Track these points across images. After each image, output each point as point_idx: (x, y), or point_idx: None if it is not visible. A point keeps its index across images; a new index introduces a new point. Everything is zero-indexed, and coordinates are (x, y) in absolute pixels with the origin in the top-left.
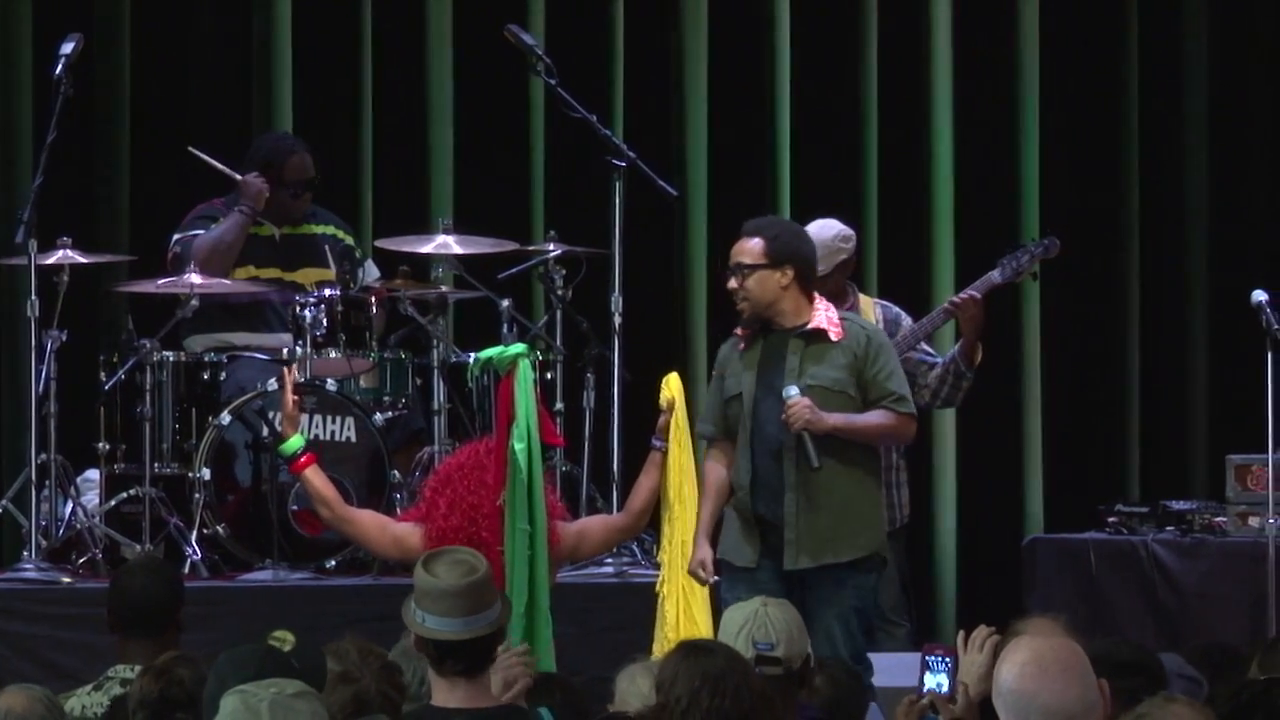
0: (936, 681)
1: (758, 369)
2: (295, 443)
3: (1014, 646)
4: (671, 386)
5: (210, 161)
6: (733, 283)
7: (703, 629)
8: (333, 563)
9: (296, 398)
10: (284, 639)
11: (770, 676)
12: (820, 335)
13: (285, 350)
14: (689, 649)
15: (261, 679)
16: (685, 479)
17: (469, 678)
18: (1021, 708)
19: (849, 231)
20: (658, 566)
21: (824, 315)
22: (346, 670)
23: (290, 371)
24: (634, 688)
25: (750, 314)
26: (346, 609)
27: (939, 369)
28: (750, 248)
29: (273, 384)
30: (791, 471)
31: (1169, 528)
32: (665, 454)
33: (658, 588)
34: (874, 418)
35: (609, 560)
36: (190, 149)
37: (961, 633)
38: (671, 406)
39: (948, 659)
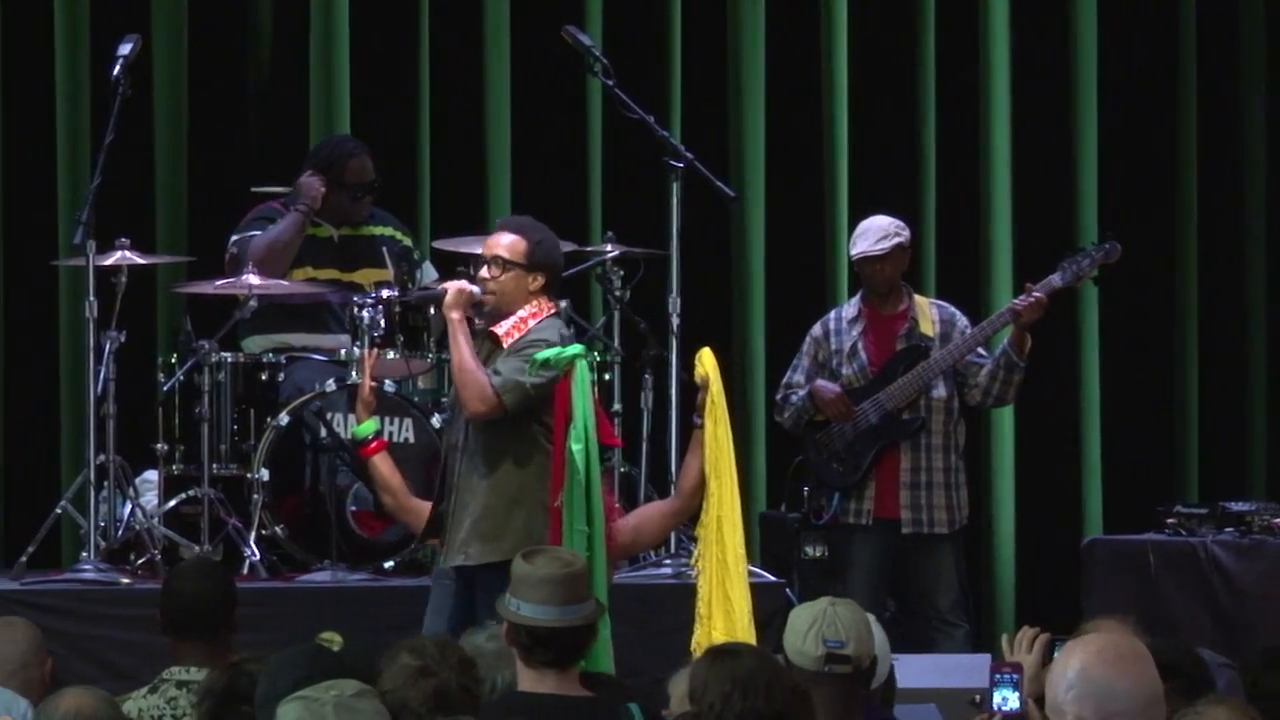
0: (1003, 697)
1: None
2: (368, 427)
3: (1083, 640)
4: (705, 362)
5: (275, 191)
6: (486, 272)
7: (736, 606)
8: (391, 564)
9: (373, 384)
10: (332, 640)
11: (838, 675)
12: (496, 340)
13: (343, 350)
14: (717, 654)
15: (312, 679)
16: (721, 454)
17: (559, 669)
18: (1099, 694)
19: (903, 223)
20: (695, 540)
21: (514, 321)
22: (425, 664)
23: (370, 356)
24: (686, 689)
25: (491, 308)
26: (405, 610)
27: (989, 365)
28: (512, 244)
29: (331, 385)
30: (456, 470)
31: (1228, 529)
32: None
33: (693, 562)
34: (469, 361)
35: (667, 561)
36: (254, 189)
37: (1005, 636)
38: (706, 383)
39: (1016, 675)
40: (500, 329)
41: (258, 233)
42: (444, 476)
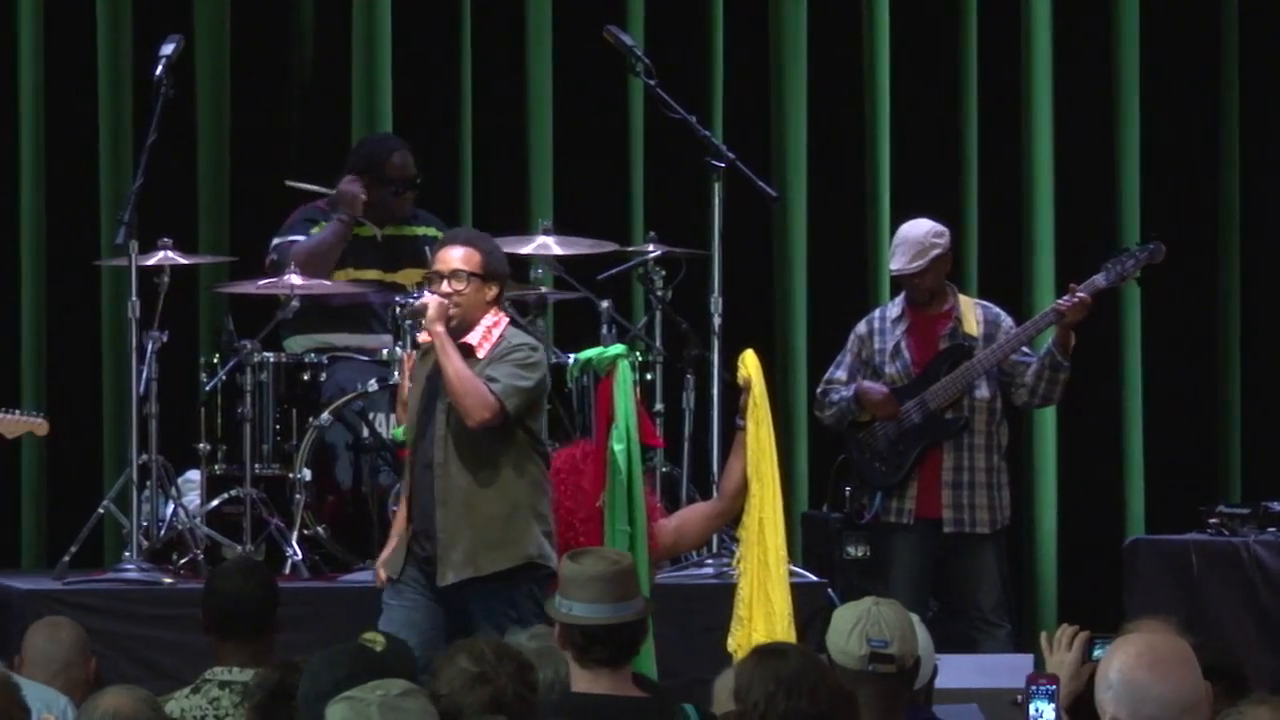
0: (1038, 709)
1: (425, 382)
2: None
3: (1126, 640)
4: (748, 364)
5: (308, 188)
6: (450, 286)
7: (777, 606)
8: None
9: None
10: (375, 640)
11: (881, 674)
12: (469, 350)
13: (385, 350)
14: (762, 653)
15: (354, 679)
16: (764, 456)
17: (613, 667)
18: (1135, 698)
19: (942, 228)
20: (736, 541)
21: (482, 331)
22: (483, 671)
23: (411, 357)
24: (731, 688)
25: (456, 321)
26: None
27: (1034, 365)
28: (467, 256)
29: (373, 385)
30: (441, 485)
31: (1270, 529)
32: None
33: (734, 563)
34: (465, 370)
35: (709, 561)
36: (287, 183)
37: (1044, 634)
38: (749, 384)
39: (1052, 687)
40: (471, 339)
41: (299, 238)
42: (412, 497)
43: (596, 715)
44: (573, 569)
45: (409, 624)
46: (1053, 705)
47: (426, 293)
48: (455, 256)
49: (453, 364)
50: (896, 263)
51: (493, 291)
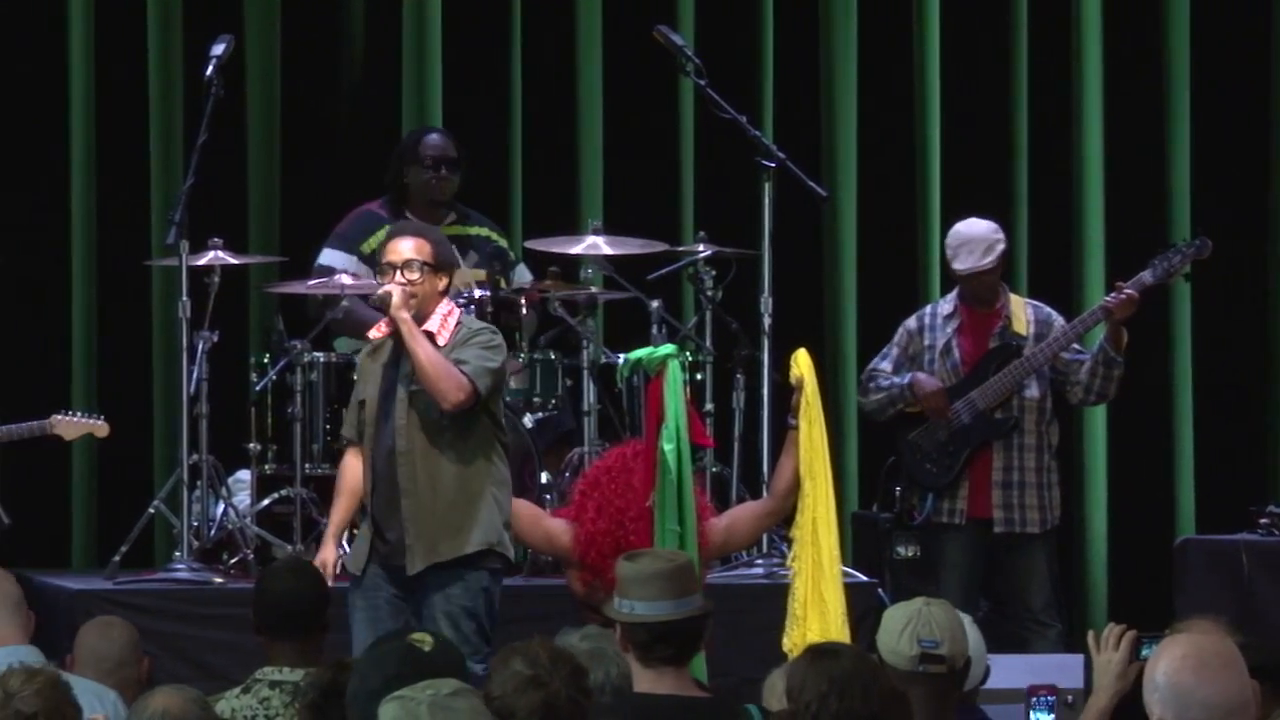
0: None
1: (383, 371)
2: None
3: (1172, 641)
4: (800, 363)
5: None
6: (404, 276)
7: (831, 607)
8: None
9: None
10: (423, 639)
11: (932, 675)
12: (430, 338)
13: None
14: (815, 653)
15: (402, 678)
16: (816, 456)
17: (676, 666)
18: (1180, 701)
19: (996, 224)
20: (787, 541)
21: (439, 319)
22: (536, 674)
23: None
24: (783, 687)
25: (415, 311)
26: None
27: (1088, 363)
28: (419, 247)
29: None
30: (406, 473)
31: None
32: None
33: (789, 563)
34: (436, 354)
35: (759, 561)
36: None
37: (1091, 633)
38: (801, 384)
39: (1051, 698)
40: (430, 327)
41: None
42: (374, 491)
43: (661, 715)
44: (630, 569)
45: (374, 625)
46: (1052, 716)
47: (386, 283)
48: (407, 248)
49: (423, 349)
50: (967, 261)
51: (444, 281)
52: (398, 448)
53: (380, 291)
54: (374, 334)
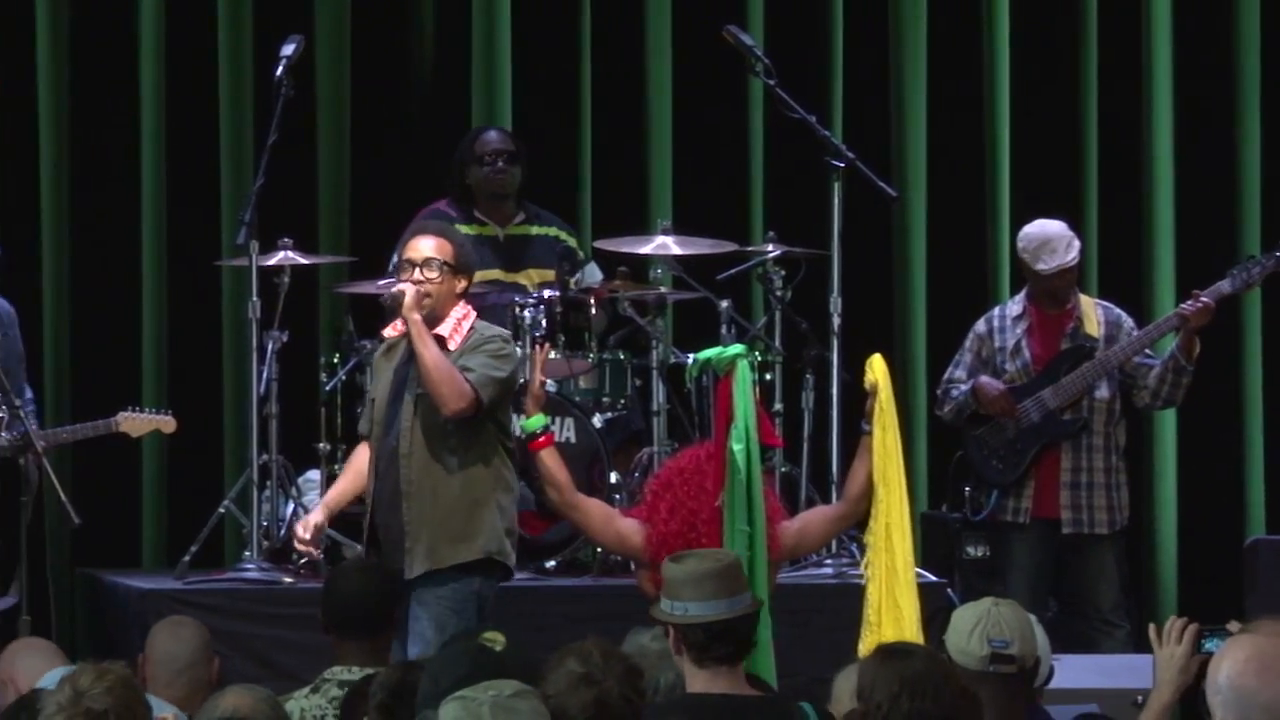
0: None
1: (394, 371)
2: (537, 421)
3: (1236, 643)
4: (875, 369)
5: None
6: (422, 274)
7: (905, 612)
8: (553, 563)
9: (543, 379)
10: (494, 639)
11: (1002, 675)
12: (441, 342)
13: None
14: (887, 652)
15: (473, 679)
16: (890, 461)
17: (730, 666)
18: (1242, 704)
19: (1064, 223)
20: (858, 544)
21: (452, 323)
22: (589, 673)
23: (542, 350)
24: (851, 687)
25: (427, 310)
26: (566, 610)
27: (1158, 368)
28: (440, 246)
29: None
30: (406, 476)
31: None
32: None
33: (863, 568)
34: (442, 359)
35: (828, 561)
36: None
37: (1152, 626)
38: (875, 389)
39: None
40: (442, 331)
41: None
42: (377, 490)
43: (717, 715)
44: (679, 570)
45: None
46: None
47: (400, 281)
48: (428, 246)
49: (430, 352)
50: (1051, 261)
51: (462, 284)
52: (400, 449)
53: (394, 290)
54: (389, 332)
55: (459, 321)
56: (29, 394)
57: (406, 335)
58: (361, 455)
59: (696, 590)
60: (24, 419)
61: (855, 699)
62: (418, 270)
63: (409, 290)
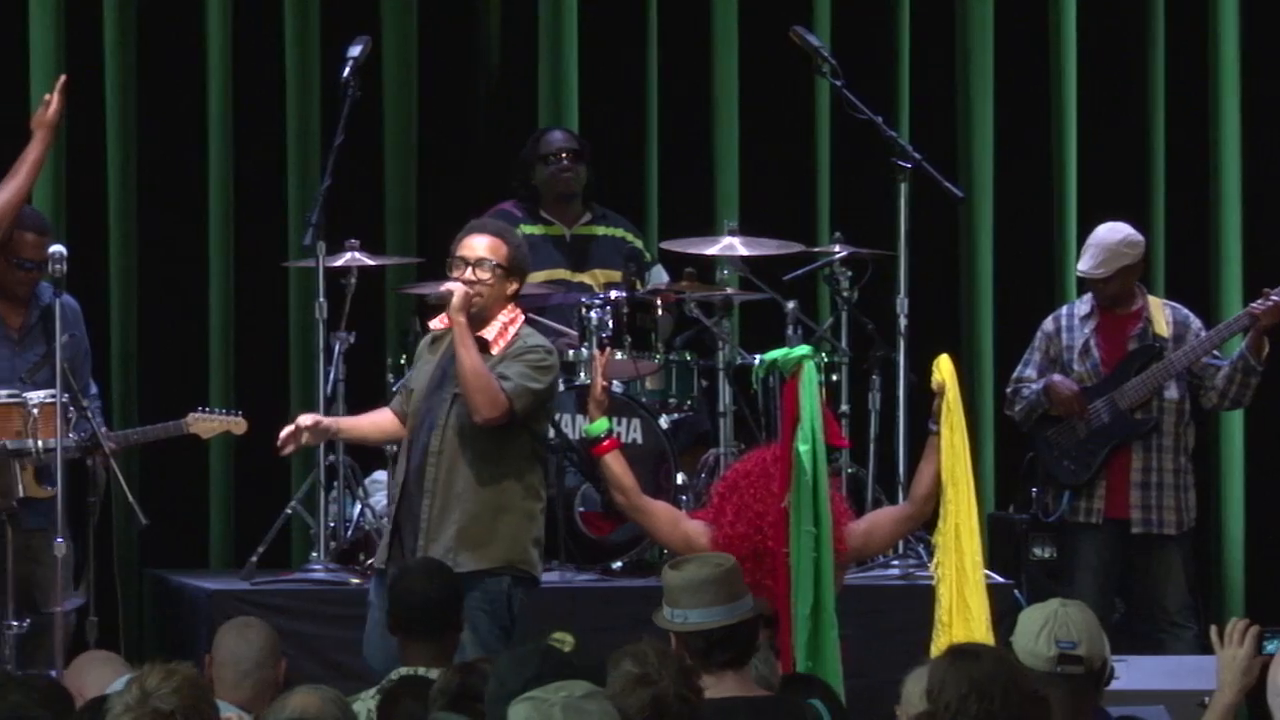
0: None
1: (435, 367)
2: (601, 425)
3: None
4: (942, 369)
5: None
6: (474, 274)
7: (975, 612)
8: (619, 564)
9: (605, 383)
10: (563, 640)
11: (1069, 676)
12: (484, 346)
13: (571, 351)
14: (956, 654)
15: (542, 680)
16: (958, 461)
17: (736, 669)
18: None
19: (1138, 238)
20: (925, 545)
21: (498, 327)
22: (645, 673)
23: (603, 355)
24: (921, 690)
25: (475, 311)
26: (633, 610)
27: (1226, 369)
28: (494, 247)
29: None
30: (432, 475)
31: None
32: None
33: (932, 569)
34: (481, 365)
35: (895, 562)
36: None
37: (1214, 628)
38: (943, 389)
39: None
40: (487, 334)
41: None
42: (404, 483)
43: (726, 718)
44: (677, 577)
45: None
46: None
47: (451, 279)
48: (482, 245)
49: (470, 357)
50: (1083, 264)
51: (513, 287)
52: (431, 446)
53: (442, 289)
54: (436, 325)
55: (505, 326)
56: (94, 389)
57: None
58: (385, 415)
59: (695, 598)
60: (92, 420)
61: (925, 700)
62: (470, 269)
63: (458, 291)
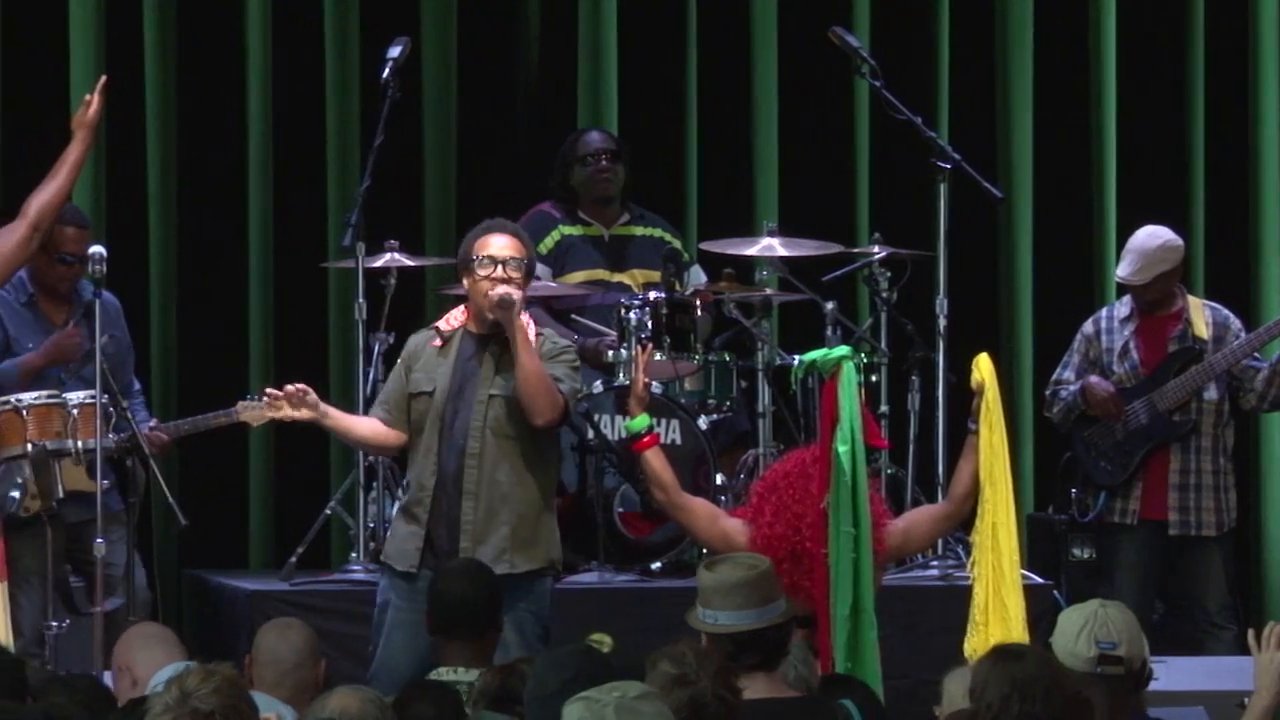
0: None
1: (455, 369)
2: (641, 422)
3: None
4: (981, 368)
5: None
6: (506, 273)
7: (1012, 612)
8: (659, 565)
9: (647, 380)
10: (602, 641)
11: (1109, 677)
12: (506, 346)
13: (610, 352)
14: (999, 654)
15: (580, 680)
16: (996, 460)
17: (767, 671)
18: None
19: (1177, 243)
20: (964, 545)
21: (529, 327)
22: (683, 673)
23: (645, 351)
24: (962, 690)
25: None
26: (672, 611)
27: (1265, 371)
28: (518, 246)
29: (598, 386)
30: (474, 477)
31: None
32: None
33: (968, 568)
34: (543, 369)
35: (934, 563)
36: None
37: (1251, 631)
38: (982, 388)
39: None
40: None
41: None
42: (438, 485)
43: (757, 719)
44: (712, 579)
45: (407, 648)
46: None
47: (501, 285)
48: (509, 245)
49: (533, 360)
50: (1122, 269)
51: (528, 286)
52: (469, 449)
53: (498, 293)
54: (446, 325)
55: (527, 325)
56: (138, 386)
57: (467, 332)
58: (375, 422)
59: (726, 600)
60: (133, 422)
61: (966, 700)
62: (500, 268)
63: (517, 295)
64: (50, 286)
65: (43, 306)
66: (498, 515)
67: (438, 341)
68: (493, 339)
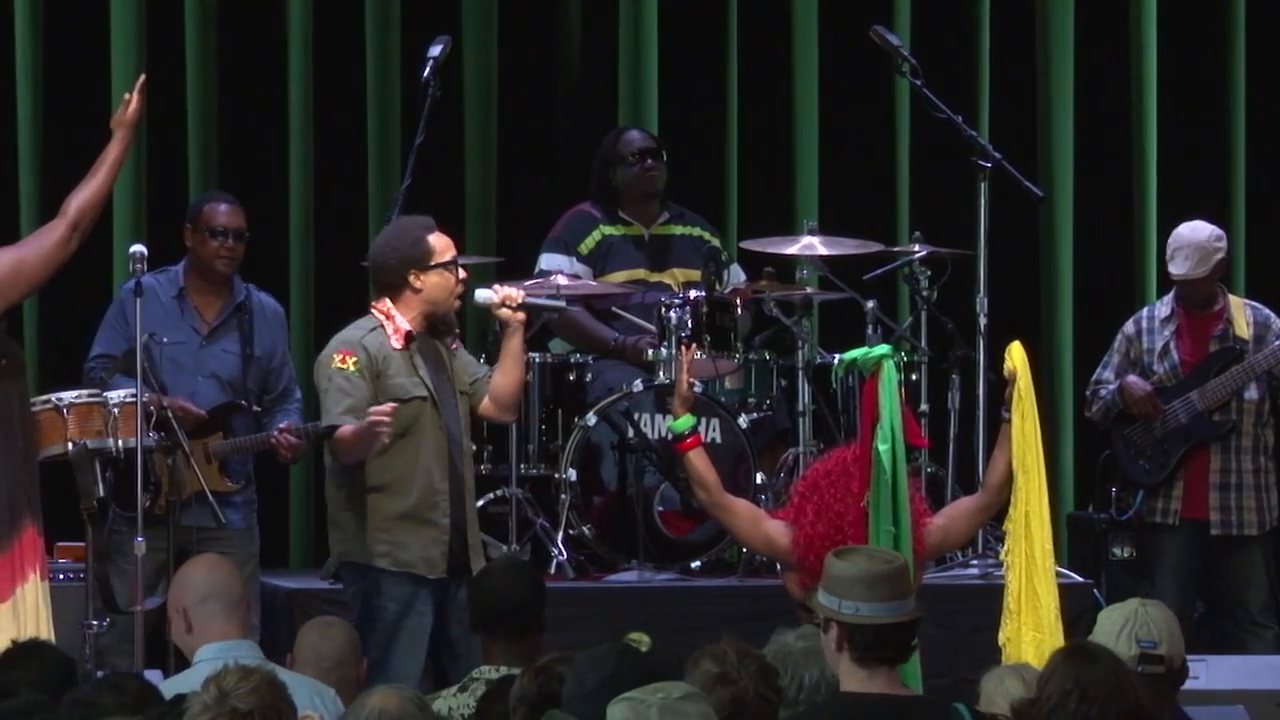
0: None
1: (433, 371)
2: (685, 422)
3: None
4: (1014, 356)
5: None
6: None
7: (1044, 600)
8: (698, 564)
9: (690, 380)
10: (640, 640)
11: (1150, 675)
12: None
13: (650, 351)
14: (1074, 651)
15: (618, 679)
16: (1029, 449)
17: (889, 667)
18: None
19: (1220, 231)
20: (1001, 540)
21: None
22: (725, 672)
23: (688, 350)
24: (1001, 689)
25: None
26: (712, 610)
27: None
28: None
29: (639, 385)
30: (469, 475)
31: None
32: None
33: (1002, 555)
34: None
35: (974, 561)
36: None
37: None
38: (1014, 376)
39: None
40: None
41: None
42: (453, 482)
43: (875, 714)
44: (849, 568)
45: (415, 646)
46: None
47: (497, 285)
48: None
49: (521, 365)
50: (1180, 267)
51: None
52: (466, 448)
53: (505, 292)
54: (394, 326)
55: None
56: (297, 395)
57: (431, 334)
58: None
59: (870, 591)
60: (174, 421)
61: (1006, 699)
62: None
63: (518, 293)
64: (207, 265)
65: (193, 300)
66: (472, 510)
67: (398, 344)
68: (435, 337)
